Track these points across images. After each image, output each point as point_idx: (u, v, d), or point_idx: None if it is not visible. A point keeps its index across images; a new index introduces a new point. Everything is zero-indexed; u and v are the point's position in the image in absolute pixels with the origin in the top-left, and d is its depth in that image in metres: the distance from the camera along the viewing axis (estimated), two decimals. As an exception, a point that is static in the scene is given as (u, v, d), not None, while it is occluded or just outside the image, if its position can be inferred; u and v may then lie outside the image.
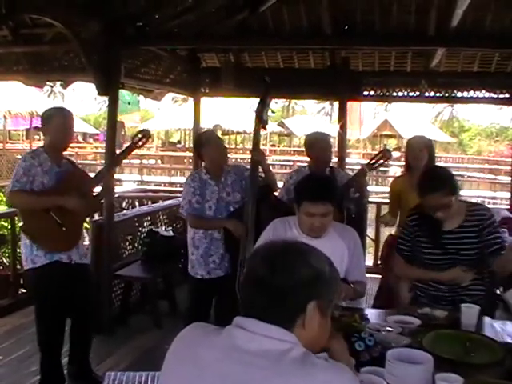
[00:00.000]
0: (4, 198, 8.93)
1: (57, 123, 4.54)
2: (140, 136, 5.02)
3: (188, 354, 1.77)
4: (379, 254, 7.61)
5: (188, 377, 1.73)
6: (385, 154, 5.17)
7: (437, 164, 4.46)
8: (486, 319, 3.53)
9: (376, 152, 5.49)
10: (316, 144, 5.37)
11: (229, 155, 5.45)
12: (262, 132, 5.42)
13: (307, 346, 1.73)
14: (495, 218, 3.89)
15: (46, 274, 4.52)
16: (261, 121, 5.07)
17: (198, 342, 1.78)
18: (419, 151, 5.29)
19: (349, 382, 1.67)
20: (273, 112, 5.34)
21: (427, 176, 3.89)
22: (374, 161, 5.16)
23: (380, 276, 6.24)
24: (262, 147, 5.45)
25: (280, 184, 5.62)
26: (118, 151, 6.09)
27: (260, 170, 5.12)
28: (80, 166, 5.77)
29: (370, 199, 7.36)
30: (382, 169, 25.99)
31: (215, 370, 1.68)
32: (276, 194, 5.44)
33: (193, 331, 1.86)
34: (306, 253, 1.80)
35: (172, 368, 1.82)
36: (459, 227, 3.75)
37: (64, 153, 4.78)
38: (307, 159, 5.60)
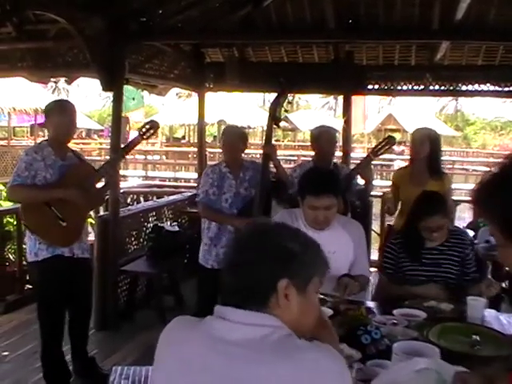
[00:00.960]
0: (9, 194, 8.95)
1: (57, 116, 4.53)
2: (147, 127, 4.95)
3: (172, 349, 1.77)
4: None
5: (174, 373, 1.72)
6: (389, 141, 5.15)
7: (426, 190, 4.57)
8: (492, 312, 3.53)
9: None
10: (322, 136, 5.39)
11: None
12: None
13: (293, 328, 1.72)
14: (471, 242, 4.10)
15: (48, 268, 4.53)
16: (274, 118, 5.12)
17: (180, 336, 1.78)
18: (420, 144, 5.31)
19: (335, 360, 1.65)
20: (286, 111, 5.36)
21: (424, 200, 3.97)
22: (378, 147, 5.15)
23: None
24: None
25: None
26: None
27: (271, 165, 5.19)
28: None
29: (374, 193, 7.34)
30: (386, 163, 25.95)
31: (199, 364, 1.66)
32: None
33: (176, 325, 1.85)
34: (276, 231, 1.79)
35: (158, 365, 1.81)
36: (441, 245, 3.86)
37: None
38: (312, 154, 5.61)
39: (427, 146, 5.30)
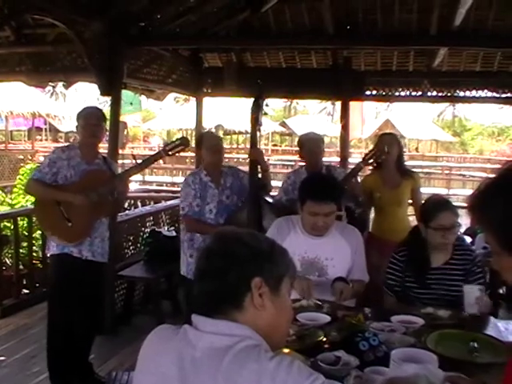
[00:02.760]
0: (6, 199, 8.95)
1: (81, 121, 4.69)
2: (176, 143, 4.76)
3: (149, 362, 1.77)
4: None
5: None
6: (379, 149, 5.19)
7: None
8: (490, 319, 3.52)
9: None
10: (304, 145, 5.40)
11: (231, 155, 5.42)
12: (262, 132, 5.41)
13: (268, 332, 1.73)
14: (479, 258, 3.93)
15: (56, 263, 4.69)
16: (256, 122, 5.05)
17: (157, 349, 1.78)
18: (389, 146, 5.34)
19: (295, 373, 1.57)
20: (265, 114, 5.30)
21: (430, 201, 3.92)
22: (369, 156, 5.18)
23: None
24: (263, 147, 5.46)
25: (279, 184, 5.61)
26: (120, 151, 6.06)
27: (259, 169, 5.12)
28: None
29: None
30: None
31: (172, 376, 1.67)
32: (273, 193, 5.46)
33: (154, 337, 1.86)
34: (241, 235, 1.81)
35: (137, 376, 1.82)
36: (445, 264, 3.72)
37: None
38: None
39: (396, 150, 5.43)
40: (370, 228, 5.83)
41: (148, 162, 4.97)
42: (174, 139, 4.93)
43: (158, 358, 1.74)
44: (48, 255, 4.78)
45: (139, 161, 4.88)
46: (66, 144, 5.08)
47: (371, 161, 5.19)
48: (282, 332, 1.87)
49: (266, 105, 5.12)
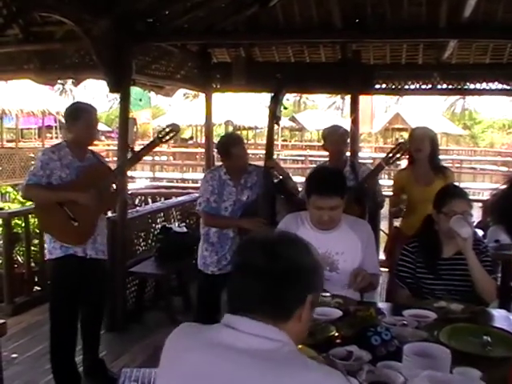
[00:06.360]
0: (18, 196, 8.98)
1: (84, 120, 4.56)
2: (167, 130, 4.86)
3: (177, 357, 1.75)
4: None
5: (178, 381, 1.72)
6: (401, 148, 5.09)
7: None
8: (502, 312, 3.51)
9: (390, 146, 5.41)
10: (328, 137, 5.40)
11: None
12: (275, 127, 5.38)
13: (296, 337, 1.73)
14: (488, 248, 3.92)
15: (60, 266, 4.61)
16: (274, 117, 5.05)
17: (185, 344, 1.75)
18: (421, 142, 5.25)
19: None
20: (285, 108, 5.29)
21: (450, 186, 4.01)
22: (391, 155, 5.08)
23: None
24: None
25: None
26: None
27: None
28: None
29: (384, 192, 7.25)
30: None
31: (204, 371, 1.65)
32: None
33: (181, 332, 1.83)
34: (304, 243, 1.78)
35: (162, 372, 1.81)
36: (456, 254, 3.68)
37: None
38: (318, 153, 5.62)
39: (429, 145, 5.28)
40: (399, 223, 5.75)
41: (144, 151, 5.01)
42: (165, 126, 5.02)
43: (188, 354, 1.71)
44: (51, 258, 4.65)
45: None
46: (54, 144, 4.97)
47: (392, 160, 5.09)
48: (302, 339, 1.88)
49: (287, 100, 5.10)
